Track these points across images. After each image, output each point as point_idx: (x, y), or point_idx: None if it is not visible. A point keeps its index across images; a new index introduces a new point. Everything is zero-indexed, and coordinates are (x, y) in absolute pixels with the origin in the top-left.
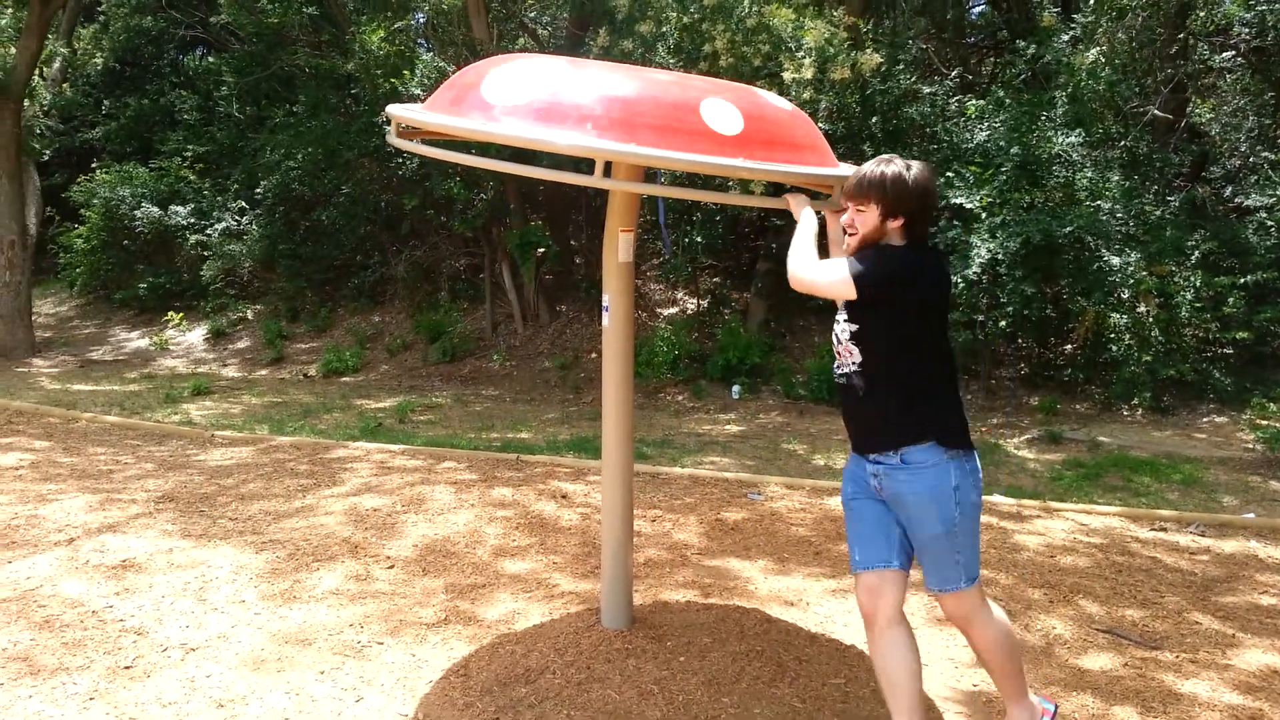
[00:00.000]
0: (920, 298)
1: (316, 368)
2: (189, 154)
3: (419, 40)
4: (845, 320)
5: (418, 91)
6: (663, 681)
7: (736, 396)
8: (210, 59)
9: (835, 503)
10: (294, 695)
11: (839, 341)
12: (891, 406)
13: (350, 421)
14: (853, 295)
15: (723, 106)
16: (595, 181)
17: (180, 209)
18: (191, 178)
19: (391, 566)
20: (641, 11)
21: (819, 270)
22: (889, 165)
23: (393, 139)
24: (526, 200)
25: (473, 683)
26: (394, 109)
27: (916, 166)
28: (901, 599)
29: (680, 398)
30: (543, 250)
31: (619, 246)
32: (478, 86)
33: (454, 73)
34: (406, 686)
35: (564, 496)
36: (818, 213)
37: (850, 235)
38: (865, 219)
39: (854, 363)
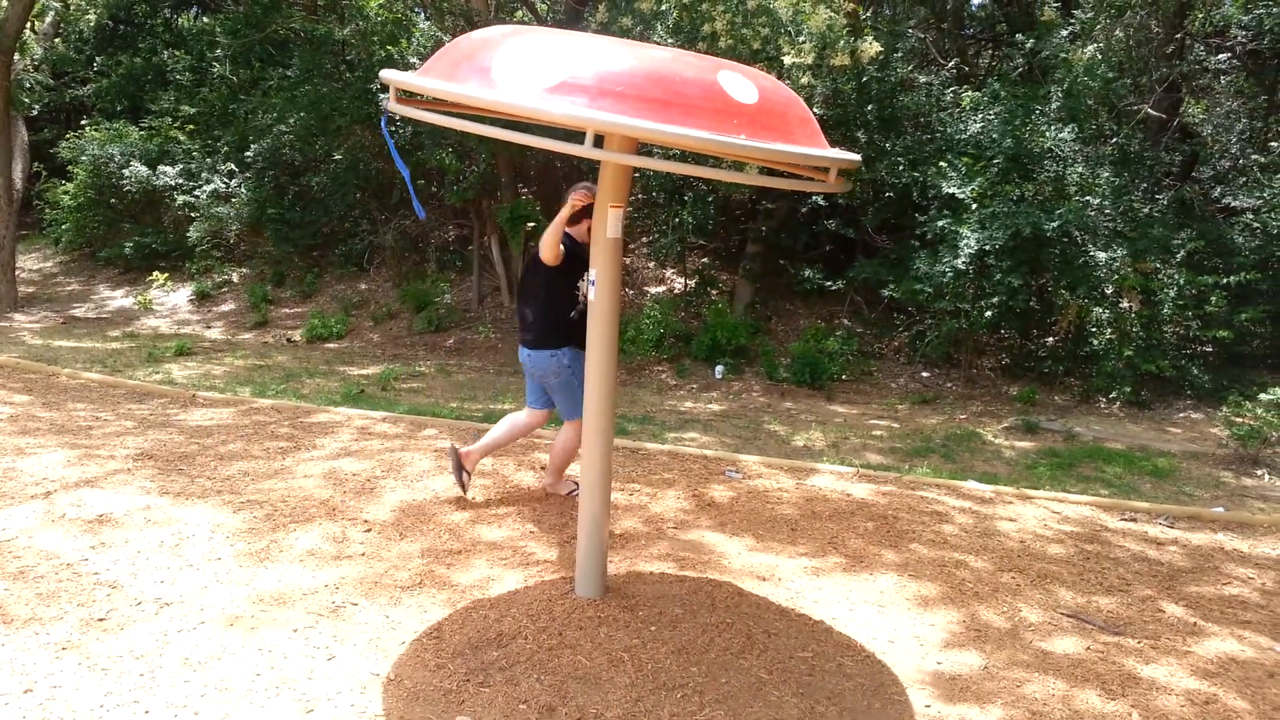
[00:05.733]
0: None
1: (301, 333)
2: (180, 114)
3: (416, 8)
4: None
5: (414, 60)
6: (633, 649)
7: (720, 376)
8: (204, 19)
9: (813, 483)
10: (266, 652)
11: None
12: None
13: (332, 387)
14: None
15: (739, 80)
16: (585, 151)
17: (169, 169)
18: (181, 138)
19: (369, 530)
20: None
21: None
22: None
23: (393, 105)
24: (518, 173)
25: (445, 645)
26: (388, 74)
27: None
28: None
29: (664, 375)
30: (533, 224)
31: (609, 222)
32: (474, 55)
33: (450, 41)
34: (379, 647)
35: (543, 467)
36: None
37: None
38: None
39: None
